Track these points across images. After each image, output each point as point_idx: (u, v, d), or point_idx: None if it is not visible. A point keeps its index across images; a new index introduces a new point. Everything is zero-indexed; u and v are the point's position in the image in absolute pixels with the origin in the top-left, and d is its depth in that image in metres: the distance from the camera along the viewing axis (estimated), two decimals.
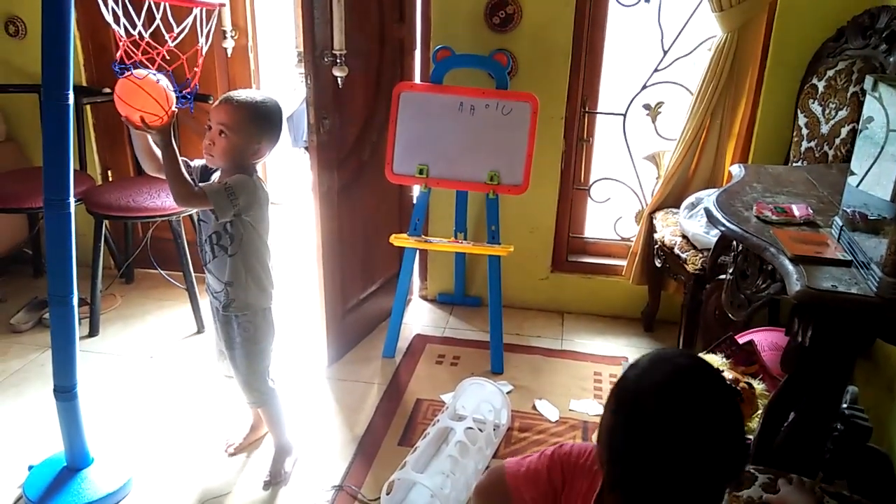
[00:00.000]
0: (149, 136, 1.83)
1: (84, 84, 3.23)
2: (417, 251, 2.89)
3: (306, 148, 2.61)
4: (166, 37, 2.05)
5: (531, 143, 2.63)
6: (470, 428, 2.19)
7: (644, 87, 2.96)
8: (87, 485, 2.01)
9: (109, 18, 1.74)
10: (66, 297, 1.89)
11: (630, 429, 1.00)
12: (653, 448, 0.98)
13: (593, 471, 1.21)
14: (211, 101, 3.14)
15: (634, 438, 0.99)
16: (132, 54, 1.76)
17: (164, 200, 2.86)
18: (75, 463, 2.05)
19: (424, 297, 3.36)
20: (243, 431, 2.29)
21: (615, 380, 1.07)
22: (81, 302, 2.08)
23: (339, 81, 2.45)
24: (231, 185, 1.84)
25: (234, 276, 1.95)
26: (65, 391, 1.96)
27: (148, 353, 2.83)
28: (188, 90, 1.85)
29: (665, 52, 2.89)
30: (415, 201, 2.89)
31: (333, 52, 2.40)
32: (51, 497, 1.96)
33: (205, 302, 3.08)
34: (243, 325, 2.01)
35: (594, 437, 1.12)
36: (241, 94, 1.92)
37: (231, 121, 1.85)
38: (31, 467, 2.08)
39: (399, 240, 2.72)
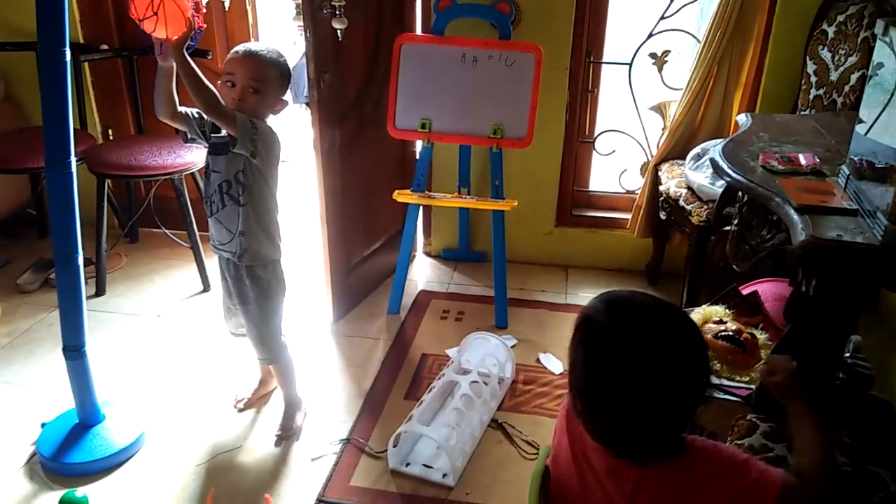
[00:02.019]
0: (172, 70, 1.77)
1: (81, 41, 3.18)
2: (421, 207, 2.87)
3: (307, 104, 2.58)
4: None
5: (535, 95, 2.59)
6: (475, 381, 2.21)
7: (650, 35, 2.89)
8: (99, 440, 2.05)
9: None
10: (72, 256, 1.90)
11: (589, 357, 1.10)
12: (612, 370, 1.06)
13: None
14: (209, 57, 3.09)
15: (595, 365, 1.09)
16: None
17: (165, 158, 2.84)
18: (87, 420, 2.09)
19: (428, 253, 3.37)
20: (252, 386, 2.32)
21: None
22: (87, 262, 2.08)
23: (339, 34, 2.40)
24: (256, 125, 1.84)
25: (246, 226, 1.94)
26: (73, 350, 1.99)
27: (155, 311, 2.85)
28: (191, 44, 1.80)
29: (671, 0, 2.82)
30: (417, 156, 2.86)
31: (332, 3, 2.35)
32: (64, 453, 2.00)
33: (211, 261, 3.10)
34: (256, 280, 2.01)
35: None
36: (262, 48, 1.89)
37: (262, 76, 1.85)
38: (43, 424, 2.11)
39: (402, 196, 2.70)
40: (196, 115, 1.87)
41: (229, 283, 2.07)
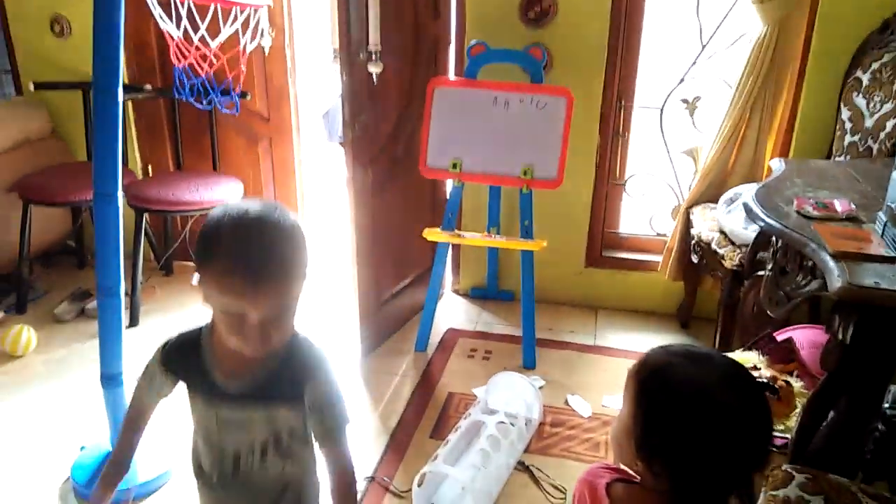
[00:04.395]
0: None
1: (126, 81, 3.30)
2: (450, 245, 2.89)
3: (341, 143, 2.64)
4: (209, 40, 2.07)
5: (566, 138, 2.61)
6: (502, 422, 2.19)
7: (681, 80, 2.92)
8: (130, 471, 2.06)
9: (169, 26, 1.77)
10: (114, 288, 1.95)
11: (671, 420, 1.02)
12: (695, 438, 1.00)
13: None
14: (249, 98, 3.19)
15: (675, 429, 1.02)
16: (185, 54, 1.79)
17: (202, 194, 2.92)
18: None
19: (457, 292, 3.37)
20: None
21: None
22: None
23: (374, 78, 2.47)
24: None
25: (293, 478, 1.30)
26: (111, 378, 2.02)
27: None
28: (236, 91, 1.85)
29: (703, 46, 2.85)
30: (448, 196, 2.89)
31: (369, 48, 2.42)
32: (96, 482, 2.02)
33: None
34: None
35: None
36: (273, 241, 1.13)
37: (290, 292, 1.16)
38: (82, 448, 2.16)
39: (432, 234, 2.73)
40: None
41: None
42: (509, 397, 2.36)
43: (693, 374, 1.04)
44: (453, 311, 3.22)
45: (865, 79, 2.43)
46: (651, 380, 1.06)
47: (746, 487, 1.10)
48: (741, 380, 1.05)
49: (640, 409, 1.05)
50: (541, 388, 2.56)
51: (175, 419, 2.41)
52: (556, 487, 2.11)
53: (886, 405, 1.67)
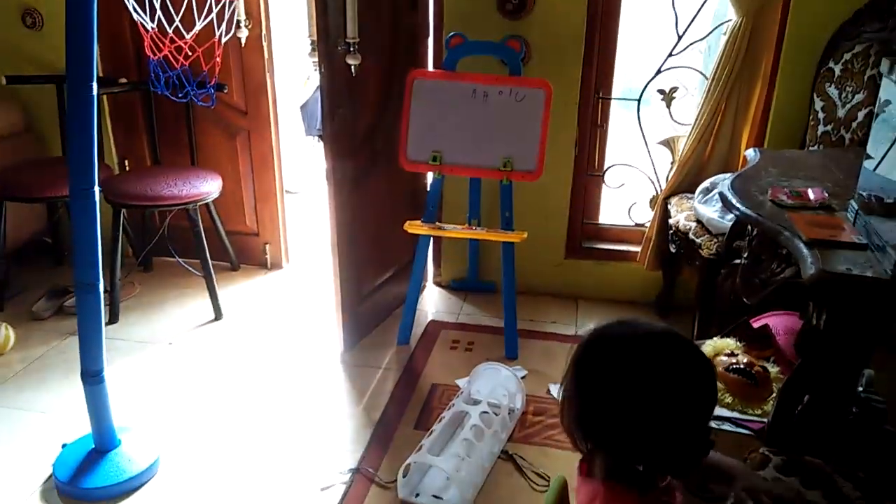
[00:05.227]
0: None
1: (101, 74, 3.26)
2: (431, 238, 2.90)
3: (320, 136, 2.63)
4: (184, 32, 2.05)
5: (545, 130, 2.63)
6: (485, 412, 2.21)
7: (658, 71, 2.95)
8: (114, 466, 2.06)
9: (142, 18, 1.75)
10: (93, 284, 1.93)
11: (601, 388, 1.05)
12: (623, 397, 1.03)
13: None
14: (226, 91, 3.17)
15: (604, 394, 1.04)
16: (160, 46, 1.77)
17: (181, 189, 2.89)
18: (103, 445, 2.10)
19: (439, 284, 3.38)
20: None
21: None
22: None
23: (353, 70, 2.46)
24: None
25: None
26: (92, 375, 2.01)
27: (167, 339, 2.87)
28: (211, 83, 1.84)
29: (679, 37, 2.88)
30: (428, 188, 2.90)
31: (346, 40, 2.41)
32: (80, 478, 2.02)
33: (223, 290, 3.13)
34: None
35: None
36: None
37: None
38: (64, 445, 2.14)
39: (413, 227, 2.73)
40: None
41: None
42: (492, 387, 2.38)
43: (621, 333, 1.08)
44: (435, 304, 3.23)
45: (838, 69, 2.48)
46: (580, 353, 1.10)
47: (689, 473, 1.10)
48: (670, 344, 1.05)
49: (573, 384, 1.09)
50: (523, 377, 2.59)
51: (164, 406, 2.41)
52: (539, 475, 2.13)
53: (860, 388, 1.71)
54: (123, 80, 3.26)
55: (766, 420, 1.69)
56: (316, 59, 4.22)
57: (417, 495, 2.04)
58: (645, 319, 1.13)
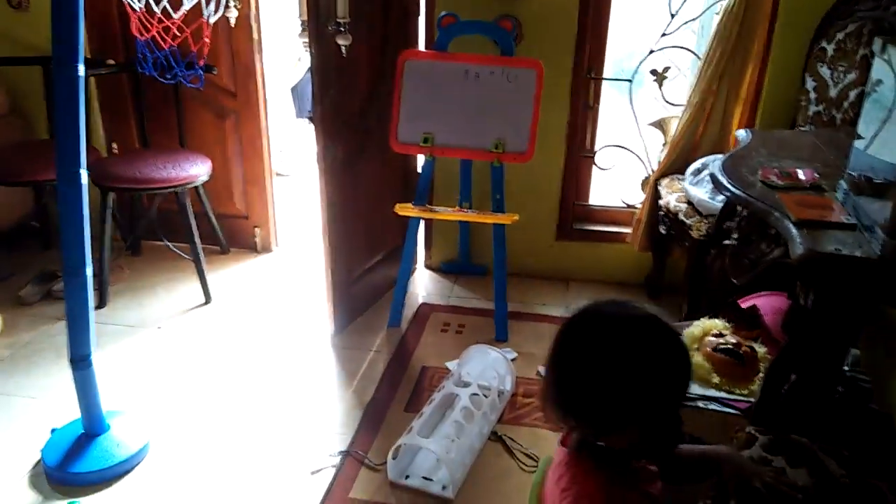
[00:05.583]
0: None
1: (88, 56, 3.21)
2: (422, 220, 2.89)
3: (311, 118, 2.61)
4: (171, 12, 2.01)
5: (536, 111, 2.61)
6: (475, 394, 2.21)
7: (651, 52, 2.93)
8: (104, 450, 2.05)
9: None
10: (81, 268, 1.91)
11: (576, 364, 1.10)
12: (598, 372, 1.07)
13: None
14: (215, 72, 3.13)
15: (579, 370, 1.10)
16: (148, 26, 1.74)
17: (169, 172, 2.87)
18: (92, 429, 2.10)
19: (429, 266, 3.38)
20: None
21: None
22: None
23: (343, 50, 2.43)
24: None
25: None
26: (80, 360, 2.00)
27: (156, 323, 2.86)
28: (200, 64, 1.82)
29: (672, 16, 2.85)
30: (419, 170, 2.88)
31: (337, 20, 2.38)
32: (69, 463, 2.01)
33: (212, 274, 3.12)
34: None
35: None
36: None
37: None
38: (53, 430, 2.13)
39: (404, 209, 2.72)
40: None
41: None
42: (482, 369, 2.38)
43: (610, 312, 1.12)
44: (426, 286, 3.22)
45: (830, 49, 2.46)
46: (567, 323, 1.15)
47: (661, 457, 1.13)
48: (651, 328, 1.09)
49: (552, 363, 1.13)
50: (513, 359, 2.59)
51: (153, 390, 2.41)
52: (528, 456, 2.14)
53: (846, 367, 1.72)
54: (111, 62, 3.21)
55: (752, 400, 1.70)
56: (306, 40, 4.17)
57: (407, 477, 2.04)
58: (638, 304, 1.15)
